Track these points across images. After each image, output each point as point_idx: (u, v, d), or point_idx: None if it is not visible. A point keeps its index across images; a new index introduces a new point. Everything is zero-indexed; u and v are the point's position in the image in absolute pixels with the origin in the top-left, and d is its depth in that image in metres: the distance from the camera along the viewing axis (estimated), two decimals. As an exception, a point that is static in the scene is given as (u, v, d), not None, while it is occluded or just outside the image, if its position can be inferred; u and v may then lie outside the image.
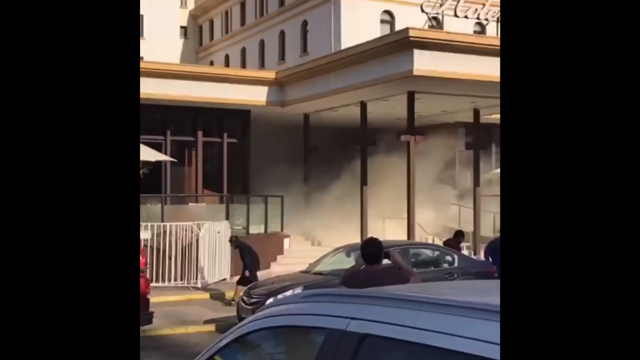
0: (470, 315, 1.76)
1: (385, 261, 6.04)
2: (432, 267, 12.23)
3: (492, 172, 22.08)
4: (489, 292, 2.24)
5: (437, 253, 13.01)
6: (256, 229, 19.06)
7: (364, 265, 5.99)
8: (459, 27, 19.00)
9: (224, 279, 16.39)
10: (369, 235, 17.81)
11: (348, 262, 12.45)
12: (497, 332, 1.62)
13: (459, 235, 14.08)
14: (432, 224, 20.58)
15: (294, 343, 2.61)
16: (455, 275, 11.50)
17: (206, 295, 14.99)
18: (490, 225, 20.56)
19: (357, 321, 2.02)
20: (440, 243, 16.51)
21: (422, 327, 1.84)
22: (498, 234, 20.28)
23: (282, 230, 19.50)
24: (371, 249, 5.85)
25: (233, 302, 13.79)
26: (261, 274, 15.69)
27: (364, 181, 18.90)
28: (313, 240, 19.90)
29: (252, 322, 2.57)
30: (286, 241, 19.36)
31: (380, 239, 6.41)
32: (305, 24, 31.18)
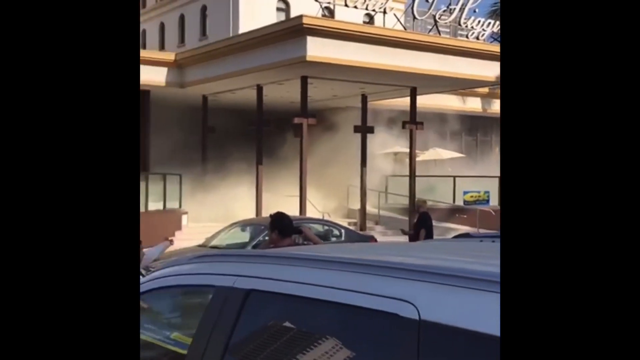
0: (341, 269, 1.85)
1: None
2: (322, 241, 12.49)
3: (378, 153, 22.58)
4: (363, 252, 2.36)
5: (326, 228, 13.34)
6: (155, 205, 18.67)
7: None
8: (349, 16, 19.26)
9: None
10: (263, 212, 17.91)
11: (243, 237, 12.51)
12: (363, 282, 1.73)
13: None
14: (324, 202, 20.90)
15: (187, 301, 2.64)
16: (343, 248, 11.86)
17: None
18: (375, 203, 21.12)
19: (242, 278, 2.07)
20: (331, 219, 16.84)
21: (300, 280, 1.92)
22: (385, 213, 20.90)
23: (180, 206, 19.22)
24: (281, 223, 5.34)
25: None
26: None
27: (259, 161, 18.90)
28: (210, 216, 19.77)
29: (145, 284, 2.57)
30: (184, 217, 19.10)
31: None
32: (204, 8, 30.61)
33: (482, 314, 1.51)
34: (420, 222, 12.69)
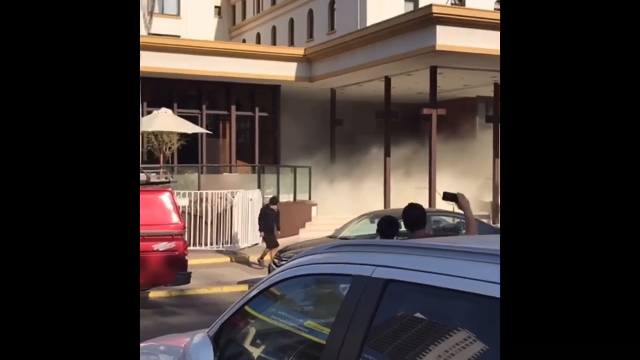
0: (482, 260, 1.77)
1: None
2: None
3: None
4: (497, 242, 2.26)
5: (456, 221, 13.05)
6: (285, 197, 19.17)
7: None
8: (480, 3, 18.71)
9: (256, 244, 16.55)
10: (391, 204, 17.85)
11: (371, 228, 12.52)
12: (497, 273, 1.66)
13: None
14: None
15: (322, 289, 2.66)
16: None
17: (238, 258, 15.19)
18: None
19: (381, 268, 2.05)
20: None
21: (440, 271, 1.87)
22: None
23: (310, 198, 19.59)
24: (413, 215, 4.93)
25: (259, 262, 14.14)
26: (290, 240, 15.81)
27: (387, 153, 18.85)
28: (339, 208, 19.98)
29: (280, 272, 2.61)
30: (314, 209, 19.45)
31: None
32: (332, 2, 30.90)
33: None
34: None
